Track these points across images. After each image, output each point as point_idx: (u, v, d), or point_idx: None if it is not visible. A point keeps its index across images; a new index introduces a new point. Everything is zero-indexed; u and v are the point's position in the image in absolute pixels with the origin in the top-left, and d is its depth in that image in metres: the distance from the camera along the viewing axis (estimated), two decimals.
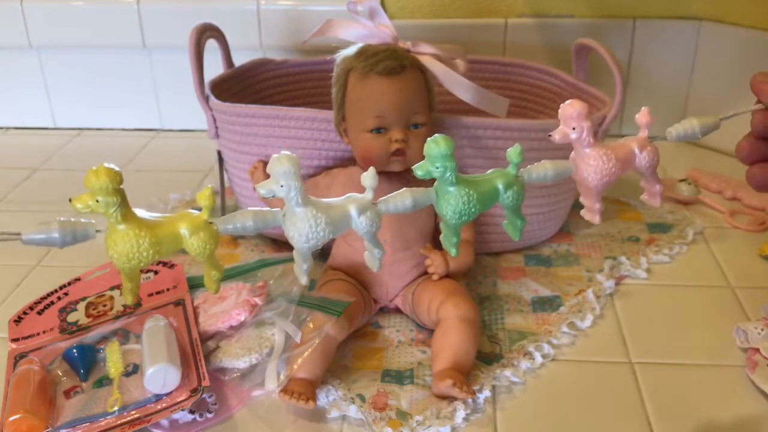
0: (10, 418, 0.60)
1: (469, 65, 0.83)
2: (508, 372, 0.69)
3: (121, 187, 0.39)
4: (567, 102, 0.47)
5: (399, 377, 0.69)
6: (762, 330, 0.70)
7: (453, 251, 0.47)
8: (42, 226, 0.39)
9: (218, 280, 0.45)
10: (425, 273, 0.77)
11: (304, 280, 0.46)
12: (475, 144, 0.80)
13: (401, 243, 0.77)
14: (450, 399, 0.66)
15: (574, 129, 0.46)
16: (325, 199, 0.44)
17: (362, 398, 0.66)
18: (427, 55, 0.78)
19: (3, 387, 0.67)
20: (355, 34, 0.80)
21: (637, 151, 0.48)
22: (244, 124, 0.83)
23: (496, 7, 1.14)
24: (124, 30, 1.20)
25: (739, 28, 1.07)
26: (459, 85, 0.79)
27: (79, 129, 1.31)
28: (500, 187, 0.46)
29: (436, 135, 0.44)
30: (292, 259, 0.84)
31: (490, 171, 0.46)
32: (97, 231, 0.40)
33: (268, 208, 0.43)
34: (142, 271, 0.83)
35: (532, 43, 1.15)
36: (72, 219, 0.40)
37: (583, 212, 0.50)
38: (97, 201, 0.39)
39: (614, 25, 1.13)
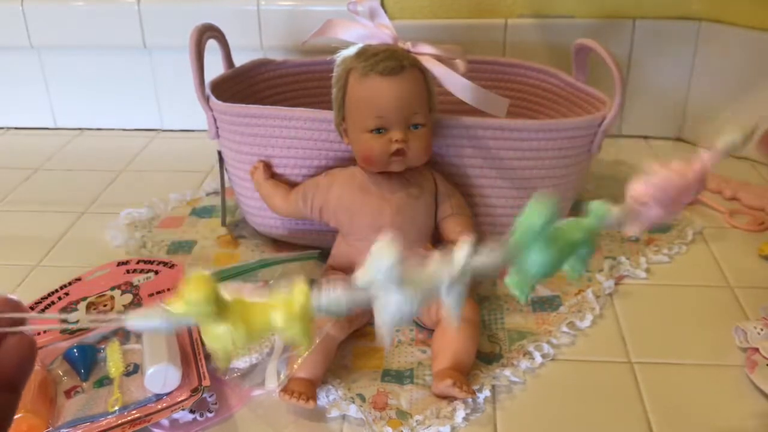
0: None
1: (469, 65, 0.83)
2: (507, 372, 0.69)
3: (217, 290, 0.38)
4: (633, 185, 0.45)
5: (399, 377, 0.69)
6: (761, 330, 0.70)
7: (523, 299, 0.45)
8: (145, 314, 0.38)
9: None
10: None
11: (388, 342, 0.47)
12: (475, 144, 0.80)
13: (401, 243, 0.77)
14: (450, 399, 0.66)
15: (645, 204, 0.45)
16: (418, 272, 0.41)
17: (362, 398, 0.66)
18: (426, 55, 0.78)
19: None
20: (355, 34, 0.80)
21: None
22: (245, 125, 0.83)
23: (496, 7, 1.14)
24: (124, 30, 1.20)
25: (739, 28, 1.07)
26: (459, 85, 0.79)
27: (80, 129, 1.32)
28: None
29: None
30: (292, 260, 0.85)
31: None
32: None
33: (359, 291, 0.40)
34: (142, 271, 0.83)
35: (532, 43, 1.15)
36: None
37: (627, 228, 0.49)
38: (193, 309, 0.38)
39: (614, 25, 1.13)
